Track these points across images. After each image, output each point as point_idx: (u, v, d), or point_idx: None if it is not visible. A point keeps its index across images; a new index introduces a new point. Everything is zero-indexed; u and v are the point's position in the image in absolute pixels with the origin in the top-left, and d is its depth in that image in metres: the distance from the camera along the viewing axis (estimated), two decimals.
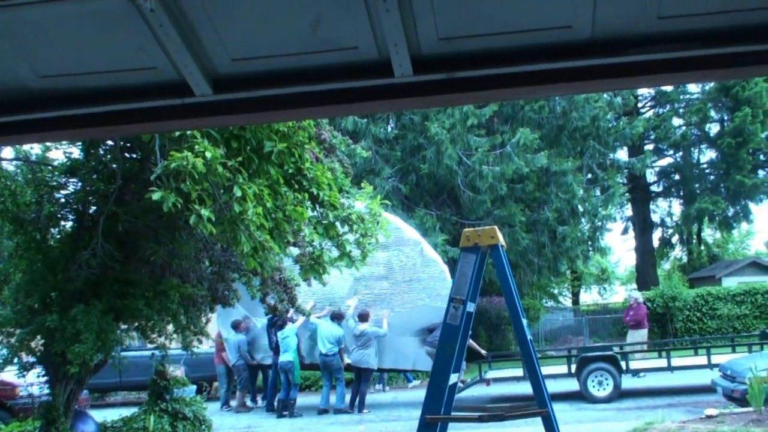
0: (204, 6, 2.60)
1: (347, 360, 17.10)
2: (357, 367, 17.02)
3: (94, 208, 9.90)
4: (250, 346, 18.26)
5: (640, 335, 21.57)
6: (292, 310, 16.71)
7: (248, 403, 18.69)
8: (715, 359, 16.49)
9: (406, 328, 17.45)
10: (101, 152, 9.67)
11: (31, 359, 10.27)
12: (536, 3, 2.64)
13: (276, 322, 16.85)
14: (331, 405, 17.17)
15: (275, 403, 17.52)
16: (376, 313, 17.17)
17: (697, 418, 12.21)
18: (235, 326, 17.95)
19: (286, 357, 16.69)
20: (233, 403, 18.91)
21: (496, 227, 7.58)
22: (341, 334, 16.77)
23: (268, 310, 12.09)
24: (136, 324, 10.60)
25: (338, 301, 17.64)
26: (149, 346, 11.61)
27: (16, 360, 10.10)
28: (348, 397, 17.24)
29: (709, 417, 11.96)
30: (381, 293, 17.67)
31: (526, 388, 10.29)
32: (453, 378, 7.40)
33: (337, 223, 9.37)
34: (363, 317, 16.66)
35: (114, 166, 9.45)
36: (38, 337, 9.85)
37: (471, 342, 17.93)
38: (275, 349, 17.35)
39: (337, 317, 16.89)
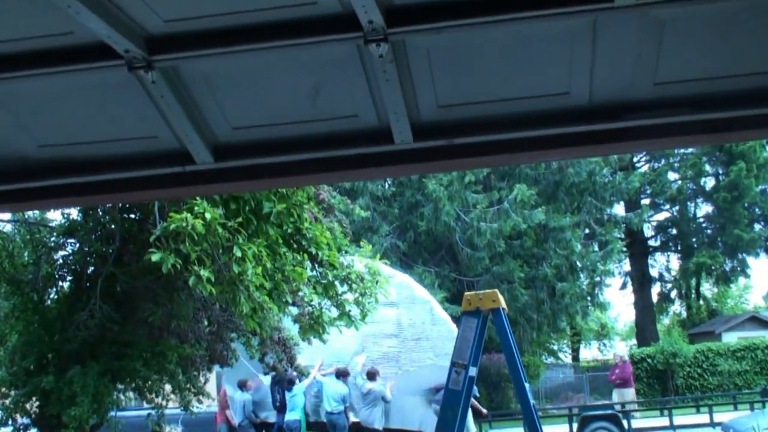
0: (205, 77, 2.63)
1: (354, 418, 16.93)
2: (365, 428, 16.84)
3: (92, 268, 9.88)
4: (255, 405, 17.98)
5: (628, 394, 21.18)
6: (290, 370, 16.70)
7: None
8: (718, 417, 16.33)
9: (413, 388, 17.24)
10: (100, 213, 9.68)
11: (26, 421, 10.15)
12: (534, 71, 2.67)
13: (280, 381, 16.66)
14: None
15: None
16: (383, 371, 17.02)
17: None
18: (242, 385, 17.66)
19: (293, 415, 16.45)
20: None
21: (497, 291, 7.59)
22: (346, 392, 16.55)
23: (268, 369, 12.01)
24: (133, 384, 10.52)
25: (346, 357, 17.47)
26: (146, 405, 11.49)
27: (10, 422, 9.99)
28: None
29: None
30: (389, 351, 17.49)
31: None
32: None
33: (337, 283, 9.35)
34: (371, 375, 16.49)
35: (113, 226, 9.46)
36: (33, 398, 9.75)
37: (473, 401, 17.79)
38: (279, 408, 17.17)
39: (342, 374, 16.74)
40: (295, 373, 15.95)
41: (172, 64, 2.55)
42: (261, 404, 18.04)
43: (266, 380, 17.18)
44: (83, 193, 3.14)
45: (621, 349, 23.63)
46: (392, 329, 17.55)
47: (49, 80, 2.58)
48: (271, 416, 17.84)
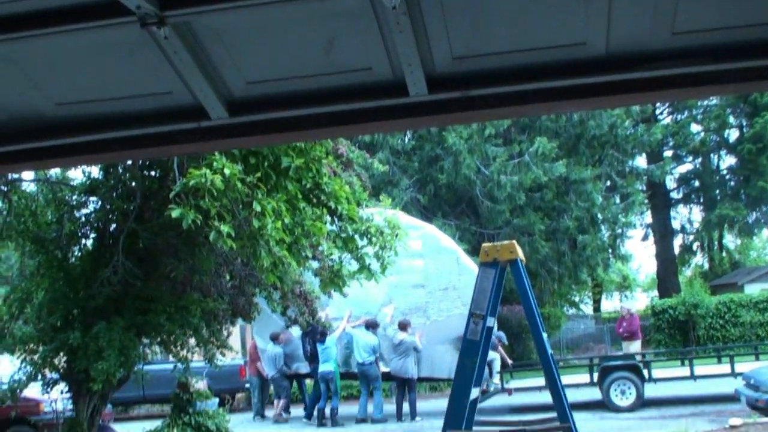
0: (217, 31, 2.62)
1: (384, 368, 17.15)
2: (398, 377, 17.06)
3: (114, 225, 9.97)
4: (286, 357, 18.23)
5: (634, 347, 21.15)
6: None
7: (283, 414, 18.64)
8: (739, 368, 16.31)
9: (441, 337, 17.36)
10: (120, 171, 9.74)
11: (54, 376, 10.34)
12: (550, 21, 2.64)
13: (310, 333, 16.84)
14: (370, 414, 17.21)
15: (315, 413, 17.53)
16: (412, 322, 17.16)
17: (721, 428, 12.11)
18: (274, 338, 17.93)
19: (327, 367, 16.79)
20: (269, 413, 18.93)
21: (515, 242, 7.58)
22: (376, 343, 16.88)
23: (290, 322, 12.11)
24: (158, 339, 10.66)
25: (374, 309, 17.64)
26: (171, 359, 11.65)
27: (39, 377, 10.17)
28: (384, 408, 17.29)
29: (733, 427, 11.85)
30: (417, 301, 17.63)
31: (548, 398, 10.27)
32: (474, 392, 7.39)
33: (356, 237, 9.38)
34: (403, 326, 16.66)
35: (133, 184, 9.52)
36: (61, 354, 9.91)
37: (501, 350, 17.91)
38: (310, 359, 17.42)
39: (371, 326, 16.95)
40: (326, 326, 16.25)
41: (185, 20, 2.54)
42: (292, 356, 18.30)
43: (296, 333, 17.35)
44: (100, 150, 3.16)
45: (637, 301, 23.44)
46: (419, 280, 17.65)
47: (63, 38, 2.58)
48: (302, 367, 18.13)
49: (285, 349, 18.14)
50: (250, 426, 18.40)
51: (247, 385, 21.32)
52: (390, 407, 17.64)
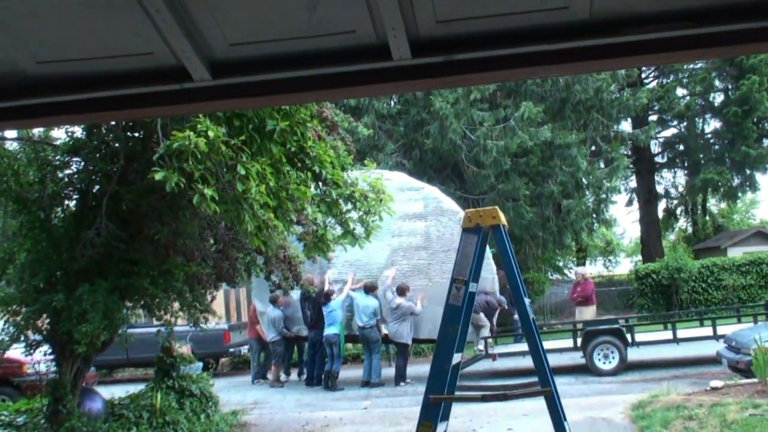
0: None
1: (385, 331, 17.27)
2: (393, 341, 17.26)
3: (98, 187, 9.92)
4: (286, 320, 18.28)
5: (589, 312, 20.53)
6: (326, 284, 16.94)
7: (282, 377, 18.76)
8: (721, 330, 16.49)
9: (443, 299, 17.35)
10: (103, 132, 9.67)
11: (38, 337, 10.33)
12: None
13: (309, 297, 16.85)
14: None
15: (323, 376, 17.59)
16: (414, 284, 17.24)
17: (702, 390, 12.26)
18: (274, 300, 17.95)
19: (332, 330, 16.87)
20: (269, 376, 19.04)
21: (497, 207, 7.58)
22: (377, 306, 16.96)
23: (274, 287, 12.14)
24: (142, 302, 10.67)
25: (376, 271, 17.69)
26: (155, 323, 11.68)
27: (22, 338, 10.17)
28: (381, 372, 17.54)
29: (714, 389, 12.01)
30: (419, 263, 17.62)
31: (531, 362, 10.35)
32: (456, 358, 7.44)
33: (341, 201, 9.37)
34: (401, 291, 16.72)
35: (116, 145, 9.47)
36: (44, 315, 9.90)
37: (493, 318, 17.98)
38: (310, 324, 17.49)
39: (370, 289, 17.00)
40: (334, 288, 16.65)
41: None
42: (292, 319, 18.35)
43: (295, 296, 17.42)
44: (82, 110, 3.14)
45: (586, 267, 23.24)
46: (421, 242, 17.68)
47: None
48: (303, 330, 18.15)
49: (285, 311, 18.19)
50: (245, 388, 18.52)
51: (233, 350, 21.45)
52: (390, 370, 17.86)
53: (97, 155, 9.68)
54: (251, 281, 18.33)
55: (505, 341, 19.46)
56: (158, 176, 7.08)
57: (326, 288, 17.09)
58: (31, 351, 10.47)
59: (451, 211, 17.91)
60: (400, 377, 17.08)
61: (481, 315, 17.21)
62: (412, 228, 17.60)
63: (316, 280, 16.92)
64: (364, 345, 17.74)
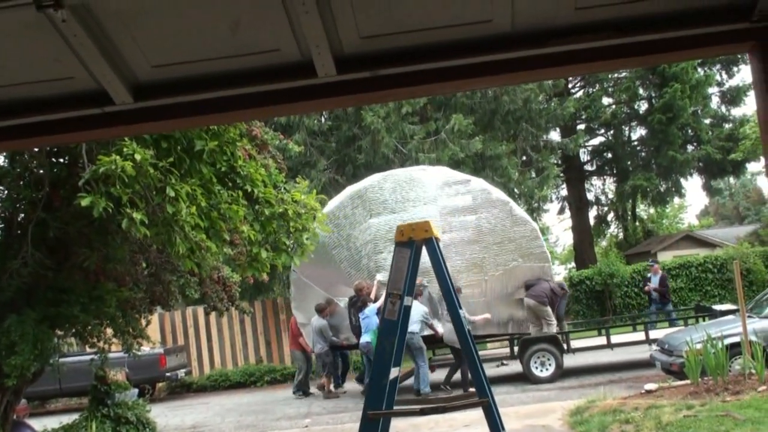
0: (119, 13, 2.54)
1: (440, 330, 16.30)
2: (449, 346, 16.42)
3: (23, 215, 9.66)
4: (333, 329, 17.58)
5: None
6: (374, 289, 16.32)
7: (333, 389, 18.06)
8: (653, 334, 16.86)
9: (501, 293, 17.00)
10: (27, 158, 9.44)
11: None
12: None
13: (356, 303, 16.30)
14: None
15: (364, 387, 16.56)
16: (468, 279, 16.70)
17: (637, 394, 12.45)
18: (320, 310, 17.30)
19: (364, 338, 15.82)
20: (313, 390, 18.55)
21: (429, 221, 7.62)
22: (423, 311, 15.89)
23: (209, 308, 11.96)
24: (73, 330, 10.42)
25: (431, 272, 17.02)
26: (89, 350, 11.43)
27: None
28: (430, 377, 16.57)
29: (649, 392, 12.21)
30: (472, 258, 17.00)
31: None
32: (394, 372, 7.43)
33: (273, 220, 9.28)
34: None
35: (41, 171, 9.24)
36: None
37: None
38: (356, 332, 16.61)
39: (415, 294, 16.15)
40: (372, 295, 16.07)
41: (83, 1, 2.46)
42: (339, 327, 17.68)
43: (343, 303, 17.05)
44: (2, 137, 3.06)
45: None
46: (473, 235, 17.07)
47: None
48: (352, 337, 17.31)
49: (330, 321, 17.54)
50: (286, 401, 18.14)
51: (169, 374, 21.06)
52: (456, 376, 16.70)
53: (21, 183, 9.43)
54: (290, 294, 18.29)
55: (444, 351, 19.45)
56: (85, 202, 6.94)
57: (373, 294, 16.29)
58: None
59: (501, 202, 17.33)
60: (466, 384, 15.41)
61: (548, 309, 16.70)
62: (463, 222, 16.98)
63: (365, 285, 16.44)
64: (408, 353, 16.31)
